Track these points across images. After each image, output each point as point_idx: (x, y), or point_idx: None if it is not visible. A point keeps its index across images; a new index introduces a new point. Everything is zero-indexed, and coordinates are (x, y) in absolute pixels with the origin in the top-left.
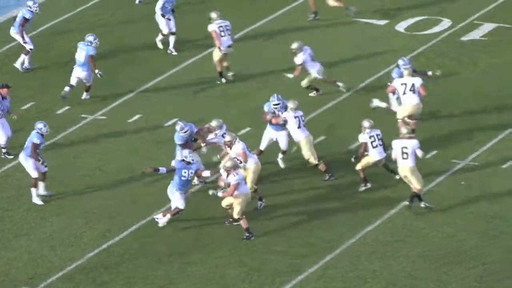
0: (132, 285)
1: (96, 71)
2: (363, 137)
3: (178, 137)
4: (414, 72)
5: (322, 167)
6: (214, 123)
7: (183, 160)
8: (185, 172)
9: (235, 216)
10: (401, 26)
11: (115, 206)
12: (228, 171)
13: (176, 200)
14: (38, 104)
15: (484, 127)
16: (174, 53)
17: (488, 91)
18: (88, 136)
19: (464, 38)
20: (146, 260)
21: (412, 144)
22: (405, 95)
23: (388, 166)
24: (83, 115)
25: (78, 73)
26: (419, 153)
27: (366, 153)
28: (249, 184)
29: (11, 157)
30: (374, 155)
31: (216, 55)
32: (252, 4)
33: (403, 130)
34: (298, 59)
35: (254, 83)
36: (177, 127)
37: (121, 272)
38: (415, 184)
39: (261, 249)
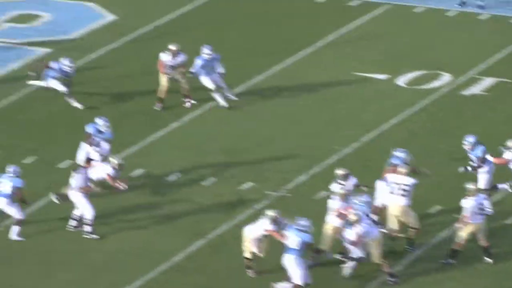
0: None
1: None
2: None
3: None
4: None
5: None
6: (340, 172)
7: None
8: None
9: (377, 261)
10: (401, 80)
11: None
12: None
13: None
14: None
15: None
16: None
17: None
18: None
19: (465, 92)
20: None
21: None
22: None
23: None
24: None
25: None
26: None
27: None
28: (377, 260)
29: None
30: None
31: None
32: None
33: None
34: None
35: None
36: None
37: None
38: None
39: None
